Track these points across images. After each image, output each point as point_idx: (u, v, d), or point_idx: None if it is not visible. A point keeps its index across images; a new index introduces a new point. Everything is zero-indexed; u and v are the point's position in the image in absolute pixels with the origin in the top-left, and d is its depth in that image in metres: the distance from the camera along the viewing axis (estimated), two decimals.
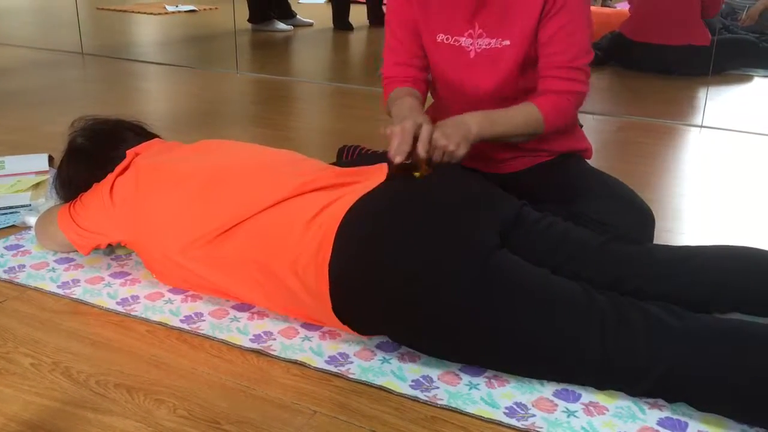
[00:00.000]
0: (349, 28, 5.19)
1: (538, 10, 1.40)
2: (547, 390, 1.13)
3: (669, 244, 1.59)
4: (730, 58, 3.63)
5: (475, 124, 1.35)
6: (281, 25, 5.11)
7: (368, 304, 1.17)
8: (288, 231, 1.21)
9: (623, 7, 4.24)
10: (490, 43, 1.46)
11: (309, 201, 1.24)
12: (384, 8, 5.16)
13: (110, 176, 1.41)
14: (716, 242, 1.34)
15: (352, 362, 1.20)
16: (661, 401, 1.09)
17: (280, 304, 1.30)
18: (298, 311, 1.29)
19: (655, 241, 1.48)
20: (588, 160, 1.64)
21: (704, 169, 2.37)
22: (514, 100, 1.45)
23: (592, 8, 4.48)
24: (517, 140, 1.47)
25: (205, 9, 6.10)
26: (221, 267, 1.29)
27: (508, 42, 1.44)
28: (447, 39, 1.49)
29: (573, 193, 1.50)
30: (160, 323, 1.32)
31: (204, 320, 1.33)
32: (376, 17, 5.25)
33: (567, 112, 1.46)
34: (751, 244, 1.28)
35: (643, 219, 1.46)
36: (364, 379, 1.16)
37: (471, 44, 1.47)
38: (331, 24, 5.25)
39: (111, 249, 1.57)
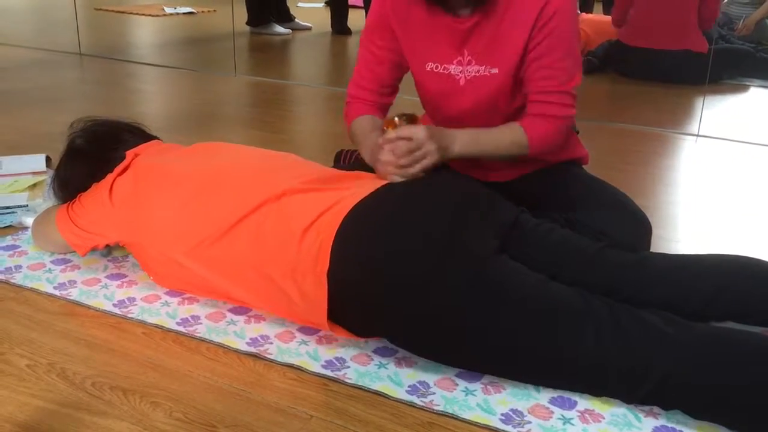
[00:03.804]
0: (347, 32, 5.19)
1: (525, 37, 1.39)
2: (543, 397, 1.13)
3: (665, 251, 1.60)
4: (726, 68, 3.65)
5: (459, 143, 1.38)
6: (279, 29, 5.11)
7: (367, 310, 1.18)
8: (285, 238, 1.21)
9: None
10: (479, 71, 1.45)
11: (306, 204, 1.24)
12: None
13: (109, 177, 1.41)
14: (711, 251, 1.35)
15: (348, 367, 1.20)
16: (656, 409, 1.09)
17: (277, 308, 1.30)
18: (295, 316, 1.29)
19: (651, 249, 1.48)
20: (585, 167, 1.64)
21: (700, 177, 2.38)
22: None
23: (591, 16, 4.52)
24: (500, 160, 1.50)
25: (203, 11, 6.10)
26: (222, 270, 1.29)
27: (496, 70, 1.44)
28: (436, 67, 1.48)
29: (570, 201, 1.50)
30: (156, 325, 1.32)
31: (201, 323, 1.32)
32: None
33: (554, 136, 1.46)
34: (746, 254, 1.28)
35: (640, 227, 1.47)
36: (360, 383, 1.16)
37: (461, 72, 1.46)
38: (329, 28, 5.25)
39: (108, 250, 1.57)
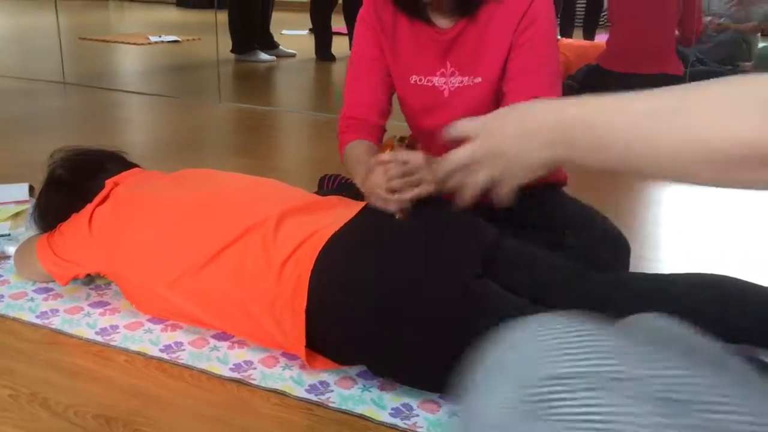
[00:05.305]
0: (331, 58, 5.24)
1: (506, 46, 1.42)
2: None
3: (645, 272, 1.62)
4: None
5: None
6: (264, 56, 5.15)
7: (346, 339, 1.18)
8: (264, 271, 1.21)
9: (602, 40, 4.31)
10: (462, 81, 1.47)
11: (285, 234, 1.24)
12: None
13: (89, 206, 1.41)
14: (692, 270, 1.36)
15: (332, 391, 1.20)
16: None
17: (258, 340, 1.31)
18: (276, 346, 1.29)
19: (630, 269, 1.50)
20: (564, 188, 1.66)
21: (679, 197, 2.41)
22: None
23: (571, 41, 4.59)
24: None
25: (188, 39, 6.14)
26: (203, 304, 1.29)
27: (479, 79, 1.46)
28: (420, 80, 1.49)
29: (550, 223, 1.52)
30: (139, 353, 1.32)
31: (183, 350, 1.32)
32: None
33: None
34: (726, 273, 1.30)
35: (619, 247, 1.48)
36: (344, 407, 1.16)
37: (444, 83, 1.48)
38: (313, 55, 5.30)
39: (90, 279, 1.57)
